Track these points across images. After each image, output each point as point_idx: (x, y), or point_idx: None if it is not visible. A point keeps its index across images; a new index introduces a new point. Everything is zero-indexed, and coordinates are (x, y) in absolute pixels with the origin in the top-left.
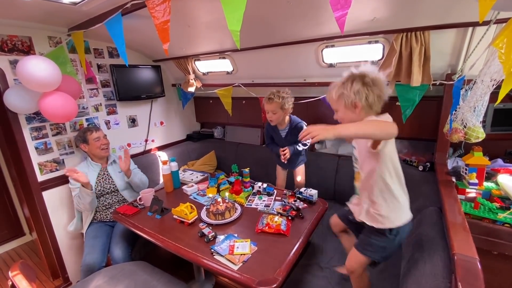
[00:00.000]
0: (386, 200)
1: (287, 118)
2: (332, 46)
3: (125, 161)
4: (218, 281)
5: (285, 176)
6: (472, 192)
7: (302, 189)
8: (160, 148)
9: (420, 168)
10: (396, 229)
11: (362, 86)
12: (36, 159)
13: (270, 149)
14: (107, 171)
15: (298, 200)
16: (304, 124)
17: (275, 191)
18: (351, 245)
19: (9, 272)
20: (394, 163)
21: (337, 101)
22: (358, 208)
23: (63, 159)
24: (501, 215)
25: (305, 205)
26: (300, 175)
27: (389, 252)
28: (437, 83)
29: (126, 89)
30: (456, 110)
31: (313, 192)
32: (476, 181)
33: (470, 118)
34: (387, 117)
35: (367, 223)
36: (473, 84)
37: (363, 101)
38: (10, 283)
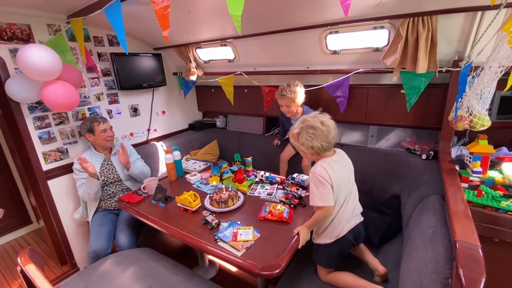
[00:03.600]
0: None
1: (300, 108)
2: (336, 32)
3: (123, 154)
4: (221, 267)
5: (293, 152)
6: (475, 180)
7: (295, 175)
8: (163, 137)
9: (424, 156)
10: (327, 244)
11: (306, 138)
12: (40, 148)
13: (280, 132)
14: (111, 161)
15: (300, 189)
16: None
17: (278, 179)
18: (371, 258)
19: (18, 259)
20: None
21: (298, 147)
22: None
23: (66, 149)
24: (504, 203)
25: (308, 193)
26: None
27: (332, 260)
28: (443, 70)
29: (127, 78)
30: (462, 98)
31: (305, 177)
32: (480, 169)
33: (476, 106)
34: (337, 157)
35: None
36: (481, 71)
37: (310, 150)
38: (19, 268)
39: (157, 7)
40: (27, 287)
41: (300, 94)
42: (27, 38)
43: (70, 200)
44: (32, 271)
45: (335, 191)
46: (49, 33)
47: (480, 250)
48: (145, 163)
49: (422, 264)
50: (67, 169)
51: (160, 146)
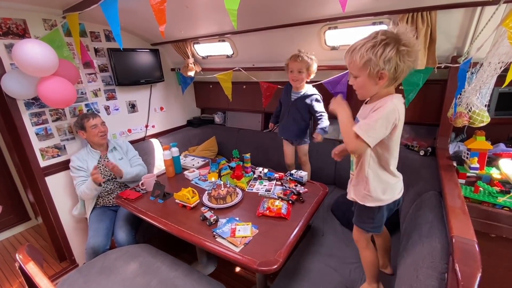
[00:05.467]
0: (376, 180)
1: (306, 85)
2: (335, 27)
3: (112, 169)
4: (220, 263)
5: (293, 152)
6: (472, 177)
7: (293, 171)
8: (161, 134)
9: (421, 152)
10: (384, 206)
11: (396, 54)
12: (37, 145)
13: (274, 112)
14: (107, 158)
15: (298, 185)
16: (319, 96)
17: (276, 176)
18: (380, 246)
19: (17, 255)
20: (390, 146)
21: (361, 68)
22: (351, 186)
23: (64, 145)
24: (501, 199)
25: (306, 189)
26: (304, 153)
27: (378, 223)
28: (442, 66)
29: (124, 74)
30: (461, 94)
31: (303, 173)
32: (477, 165)
33: (475, 102)
34: (397, 97)
35: (358, 201)
36: (480, 67)
37: (391, 72)
38: (17, 265)
39: (154, 1)
40: (26, 283)
41: (315, 65)
42: (22, 33)
43: (68, 196)
44: (31, 267)
45: (395, 141)
46: (44, 28)
47: (476, 246)
48: (142, 160)
49: (419, 259)
50: (65, 165)
51: (158, 143)
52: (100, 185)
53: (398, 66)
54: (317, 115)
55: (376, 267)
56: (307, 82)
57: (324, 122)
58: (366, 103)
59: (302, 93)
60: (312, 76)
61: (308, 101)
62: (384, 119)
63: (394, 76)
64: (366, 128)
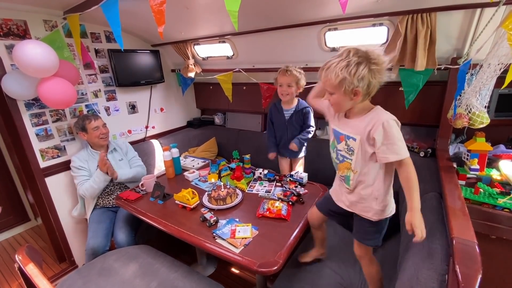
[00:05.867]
0: (385, 195)
1: (295, 99)
2: (335, 29)
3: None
4: (220, 264)
5: (288, 165)
6: (472, 178)
7: (293, 172)
8: (161, 135)
9: (422, 154)
10: (389, 217)
11: (368, 72)
12: (37, 145)
13: (268, 139)
14: (107, 159)
15: (299, 186)
16: (310, 108)
17: (276, 177)
18: (322, 237)
19: (16, 256)
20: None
21: (336, 85)
22: (353, 202)
23: (64, 146)
24: (501, 200)
25: (306, 190)
26: (300, 165)
27: (383, 234)
28: (442, 68)
29: (125, 75)
30: (460, 95)
31: (303, 175)
32: (477, 166)
33: (475, 103)
34: (380, 110)
35: (366, 216)
36: (479, 68)
37: (365, 89)
38: (17, 266)
39: (153, 2)
40: (25, 284)
41: (303, 78)
42: (23, 34)
43: (68, 197)
44: (30, 268)
45: None
46: (45, 29)
47: (476, 247)
48: (142, 161)
49: (419, 261)
50: (65, 166)
51: (158, 144)
52: (109, 174)
53: (370, 83)
54: (307, 128)
55: (382, 280)
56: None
57: (309, 135)
58: (345, 117)
59: (294, 108)
60: (300, 90)
61: (301, 114)
62: (399, 132)
63: (367, 92)
64: (400, 148)
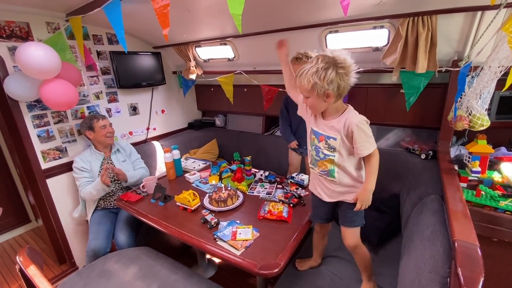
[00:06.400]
0: (361, 177)
1: None
2: (336, 31)
3: (117, 175)
4: (220, 266)
5: (299, 163)
6: (474, 180)
7: (294, 174)
8: (162, 136)
9: (423, 156)
10: None
11: (335, 75)
12: (39, 147)
13: (283, 129)
14: (111, 160)
15: (300, 188)
16: None
17: (277, 179)
18: (323, 246)
19: (17, 257)
20: None
21: (309, 90)
22: (337, 192)
23: (65, 147)
24: (503, 203)
25: (307, 192)
26: None
27: (363, 213)
28: (443, 70)
29: (126, 77)
30: (461, 98)
31: (304, 177)
32: (479, 169)
33: (475, 106)
34: (352, 111)
35: (348, 201)
36: (480, 71)
37: (335, 91)
38: (18, 267)
39: (157, 5)
40: (25, 286)
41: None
42: (26, 36)
43: (69, 198)
44: (31, 270)
45: None
46: (48, 31)
47: (478, 250)
48: (144, 163)
49: (421, 263)
50: (66, 167)
51: (160, 145)
52: (108, 186)
53: (339, 85)
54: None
55: (371, 262)
56: None
57: None
58: (323, 119)
59: None
60: None
61: None
62: (368, 129)
63: (338, 93)
64: (370, 144)
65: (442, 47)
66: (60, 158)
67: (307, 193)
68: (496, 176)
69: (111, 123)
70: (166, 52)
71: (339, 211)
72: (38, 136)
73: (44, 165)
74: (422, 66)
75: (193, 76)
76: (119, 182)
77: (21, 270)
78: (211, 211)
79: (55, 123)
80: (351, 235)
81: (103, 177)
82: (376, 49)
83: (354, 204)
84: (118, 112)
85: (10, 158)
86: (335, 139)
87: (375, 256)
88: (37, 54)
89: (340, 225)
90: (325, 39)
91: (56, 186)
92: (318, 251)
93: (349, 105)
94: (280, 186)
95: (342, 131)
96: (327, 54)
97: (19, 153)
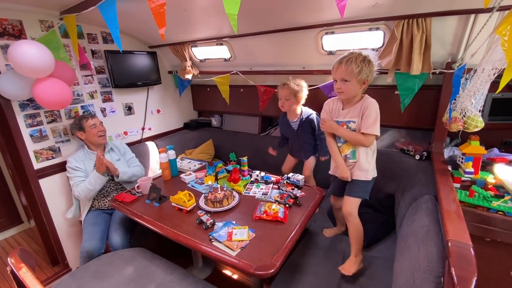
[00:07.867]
0: (374, 159)
1: (299, 109)
2: (332, 33)
3: (101, 165)
4: (216, 267)
5: (293, 164)
6: (467, 181)
7: (290, 174)
8: (157, 136)
9: (417, 157)
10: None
11: (372, 68)
12: (31, 146)
13: (279, 142)
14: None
15: (295, 188)
16: (314, 115)
17: (273, 179)
18: (342, 216)
19: (8, 259)
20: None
21: (355, 74)
22: (356, 170)
23: (59, 147)
24: (495, 203)
25: (303, 193)
26: (308, 168)
27: (369, 191)
28: (437, 72)
29: (121, 76)
30: (455, 99)
31: (300, 177)
32: (472, 170)
33: (469, 107)
34: (368, 97)
35: (362, 178)
36: (474, 73)
37: (370, 80)
38: (9, 269)
39: (153, 4)
40: None
41: (303, 91)
42: (18, 34)
43: (63, 199)
44: (23, 271)
45: None
46: (41, 29)
47: (471, 249)
48: (139, 162)
49: (415, 263)
50: (59, 168)
51: (155, 145)
52: (104, 175)
53: (372, 76)
54: (321, 136)
55: (363, 236)
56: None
57: (323, 141)
58: (342, 109)
59: (299, 119)
60: (302, 102)
61: (308, 123)
62: (378, 113)
63: (369, 83)
64: (376, 127)
65: (436, 49)
66: (53, 158)
67: (303, 193)
68: (488, 177)
69: (101, 122)
70: (162, 52)
71: (349, 184)
72: (31, 135)
73: (36, 165)
74: (416, 68)
75: (189, 76)
76: (113, 179)
77: (12, 272)
78: (207, 212)
79: (48, 123)
80: (349, 203)
81: (99, 166)
82: (372, 50)
83: (365, 181)
84: (113, 111)
85: (2, 158)
86: (354, 122)
87: (370, 255)
88: (30, 53)
89: (344, 195)
90: (321, 40)
91: (49, 187)
92: (340, 220)
93: (366, 94)
94: (276, 187)
95: (359, 114)
96: (361, 51)
97: (11, 153)
